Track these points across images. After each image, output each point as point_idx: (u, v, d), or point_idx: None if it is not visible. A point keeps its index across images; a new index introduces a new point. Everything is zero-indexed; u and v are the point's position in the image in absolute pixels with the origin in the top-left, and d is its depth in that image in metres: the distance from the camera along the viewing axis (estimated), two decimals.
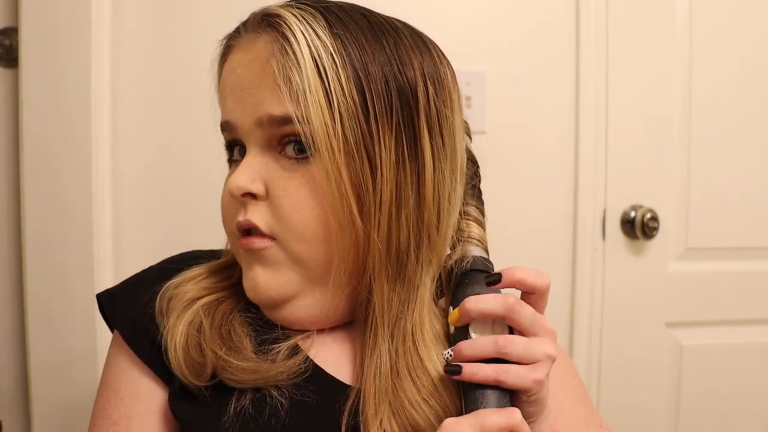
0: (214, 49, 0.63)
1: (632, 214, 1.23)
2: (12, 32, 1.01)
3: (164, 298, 0.58)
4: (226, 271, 0.63)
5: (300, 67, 0.51)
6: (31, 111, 0.99)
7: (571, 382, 0.66)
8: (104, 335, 1.01)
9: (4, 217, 1.03)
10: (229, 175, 0.59)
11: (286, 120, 0.52)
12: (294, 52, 0.51)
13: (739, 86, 1.27)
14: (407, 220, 0.54)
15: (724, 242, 1.29)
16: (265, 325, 0.58)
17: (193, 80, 1.07)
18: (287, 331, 0.58)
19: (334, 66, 0.51)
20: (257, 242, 0.54)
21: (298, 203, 0.53)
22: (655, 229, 1.23)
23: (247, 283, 0.57)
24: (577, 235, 1.22)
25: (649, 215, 1.22)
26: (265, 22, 0.55)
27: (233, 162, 0.59)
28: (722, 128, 1.27)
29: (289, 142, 0.53)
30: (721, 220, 1.28)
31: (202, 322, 0.56)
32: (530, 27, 1.20)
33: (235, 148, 0.59)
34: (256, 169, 0.54)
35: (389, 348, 0.55)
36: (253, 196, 0.54)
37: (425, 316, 0.56)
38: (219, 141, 1.19)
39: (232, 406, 0.53)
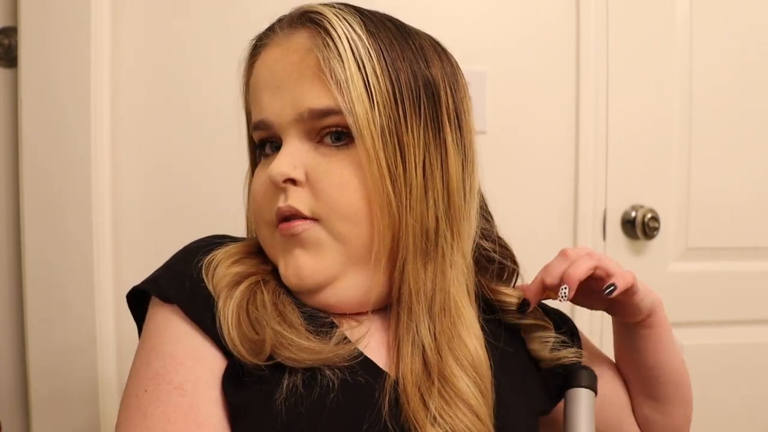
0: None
1: (633, 214, 1.23)
2: (11, 32, 1.01)
3: (208, 274, 0.58)
4: (262, 255, 0.63)
5: (341, 58, 0.55)
6: (30, 110, 0.99)
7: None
8: (104, 335, 1.01)
9: (3, 218, 1.03)
10: (258, 169, 0.61)
11: (328, 112, 0.56)
12: (336, 45, 0.55)
13: (740, 86, 1.27)
14: (435, 203, 0.57)
15: (724, 242, 1.28)
16: (310, 309, 0.59)
17: (193, 80, 1.07)
18: (333, 317, 0.59)
19: (370, 59, 0.56)
20: (299, 225, 0.56)
21: (342, 183, 0.56)
22: (656, 229, 1.22)
23: (288, 270, 0.58)
24: (577, 235, 1.22)
25: (649, 215, 1.22)
26: (305, 17, 0.58)
27: (265, 156, 0.61)
28: (722, 128, 1.27)
29: (328, 132, 0.57)
30: (722, 220, 1.28)
31: (256, 299, 0.57)
32: (530, 27, 1.20)
33: (267, 144, 0.61)
34: (296, 157, 0.57)
35: (428, 326, 0.58)
36: (293, 182, 0.56)
37: (460, 296, 0.60)
38: (220, 141, 1.18)
39: (285, 384, 0.53)
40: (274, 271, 0.61)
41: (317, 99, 0.55)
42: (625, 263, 1.24)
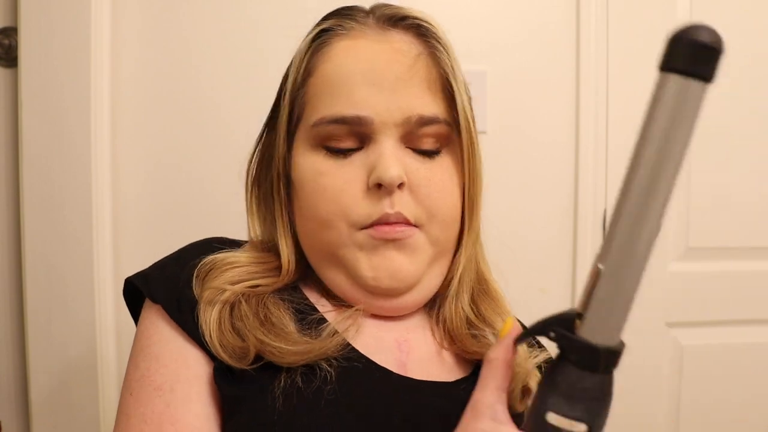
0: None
1: None
2: (12, 32, 1.01)
3: (200, 276, 0.58)
4: (261, 264, 0.61)
5: (453, 69, 0.58)
6: (30, 111, 0.99)
7: None
8: (104, 336, 1.01)
9: (3, 218, 1.03)
10: (331, 166, 0.57)
11: (433, 120, 0.57)
12: (448, 54, 0.59)
13: (739, 86, 1.27)
14: (475, 193, 0.62)
15: (724, 242, 1.28)
16: (300, 307, 0.58)
17: (193, 80, 1.07)
18: (324, 313, 0.59)
19: (458, 68, 0.60)
20: (405, 230, 0.57)
21: (444, 190, 0.58)
22: None
23: (379, 272, 0.57)
24: (577, 235, 1.22)
25: None
26: (395, 18, 0.59)
27: (337, 153, 0.57)
28: (723, 128, 1.27)
29: (425, 138, 0.58)
30: (722, 220, 1.27)
31: (240, 309, 0.56)
32: (530, 27, 1.20)
33: (334, 140, 0.57)
34: (400, 160, 0.57)
35: (469, 301, 0.63)
36: (399, 186, 0.57)
37: (488, 272, 0.66)
38: (220, 141, 1.17)
39: (282, 381, 0.53)
40: (272, 276, 0.60)
41: (427, 106, 0.57)
42: None
